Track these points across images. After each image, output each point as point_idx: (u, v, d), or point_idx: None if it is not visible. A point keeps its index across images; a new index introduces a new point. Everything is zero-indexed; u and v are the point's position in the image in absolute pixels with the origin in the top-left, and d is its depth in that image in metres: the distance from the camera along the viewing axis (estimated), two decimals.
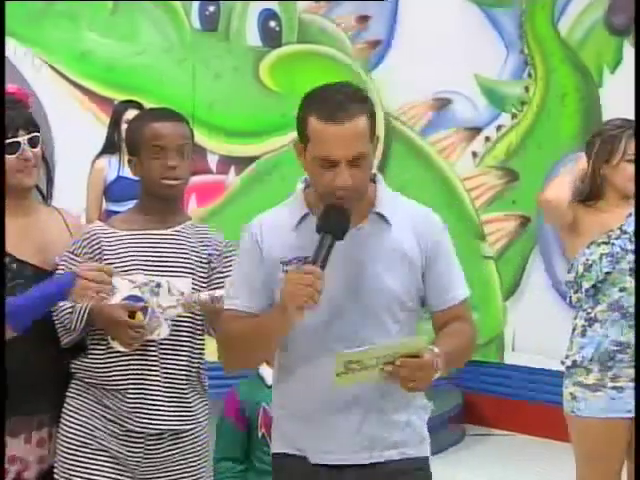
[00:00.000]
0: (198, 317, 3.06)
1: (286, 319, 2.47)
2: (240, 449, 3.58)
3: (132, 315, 2.96)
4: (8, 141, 2.97)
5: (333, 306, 2.56)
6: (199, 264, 3.07)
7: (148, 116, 3.17)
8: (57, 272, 3.03)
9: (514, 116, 7.11)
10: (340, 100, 2.50)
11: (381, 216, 2.60)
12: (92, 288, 2.85)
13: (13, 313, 2.86)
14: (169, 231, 3.09)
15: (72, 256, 3.03)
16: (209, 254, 3.07)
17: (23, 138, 2.99)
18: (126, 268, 3.01)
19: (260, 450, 3.52)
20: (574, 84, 6.74)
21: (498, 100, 7.17)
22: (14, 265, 2.98)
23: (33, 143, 3.02)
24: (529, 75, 7.04)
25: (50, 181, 3.18)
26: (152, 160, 3.01)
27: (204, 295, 2.98)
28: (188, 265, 3.03)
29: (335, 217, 2.50)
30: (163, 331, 2.98)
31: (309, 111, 2.51)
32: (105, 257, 3.03)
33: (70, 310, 2.98)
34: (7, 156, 2.97)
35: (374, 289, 2.59)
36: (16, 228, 3.01)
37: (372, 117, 2.55)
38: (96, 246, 3.05)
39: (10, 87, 3.15)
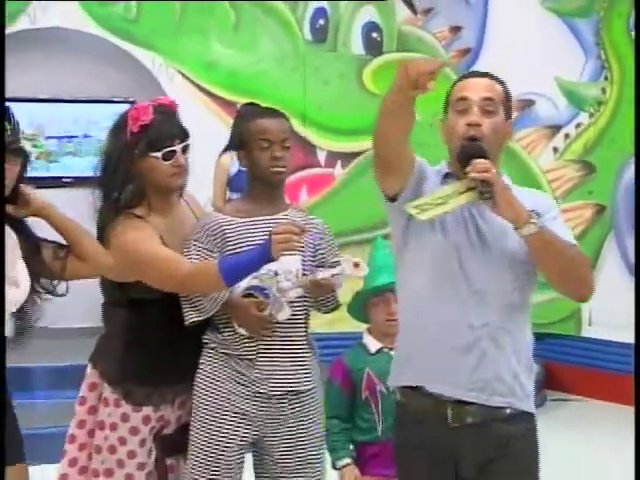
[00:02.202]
0: (307, 295, 3.23)
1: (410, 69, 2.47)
2: (345, 409, 3.66)
3: (260, 306, 3.10)
4: (166, 149, 3.06)
5: (458, 259, 2.68)
6: (306, 244, 3.18)
7: (254, 113, 3.22)
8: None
9: (591, 115, 7.27)
10: (482, 72, 2.82)
11: None
12: (287, 240, 2.91)
13: (227, 269, 2.99)
14: (280, 215, 3.20)
15: (195, 243, 3.13)
16: (312, 236, 3.21)
17: (178, 147, 3.09)
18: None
19: (363, 410, 3.64)
20: None
21: (577, 100, 7.32)
22: None
23: (185, 150, 3.13)
24: (605, 78, 7.19)
25: None
26: (261, 152, 3.13)
27: (321, 274, 3.11)
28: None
29: (473, 148, 2.63)
30: (285, 313, 3.11)
31: (455, 82, 2.77)
32: (228, 242, 3.13)
33: (200, 297, 3.11)
34: (163, 162, 3.06)
35: (498, 246, 2.66)
36: (165, 225, 3.15)
37: (506, 94, 2.73)
38: (219, 233, 3.14)
39: (164, 99, 3.23)
